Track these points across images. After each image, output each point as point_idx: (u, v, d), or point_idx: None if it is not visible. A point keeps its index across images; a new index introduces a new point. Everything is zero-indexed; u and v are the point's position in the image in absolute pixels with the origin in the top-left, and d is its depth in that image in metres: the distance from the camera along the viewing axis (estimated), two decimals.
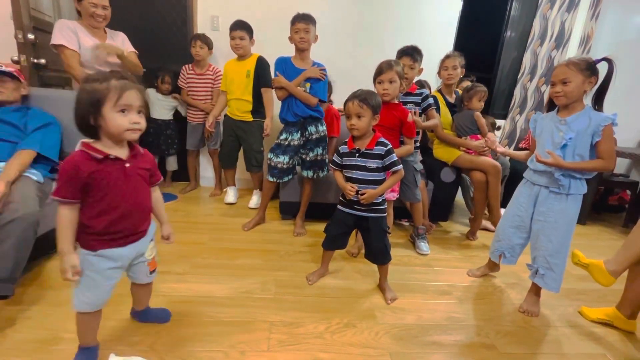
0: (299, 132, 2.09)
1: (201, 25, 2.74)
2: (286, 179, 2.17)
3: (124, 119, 0.92)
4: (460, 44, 3.02)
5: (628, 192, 3.19)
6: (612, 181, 3.01)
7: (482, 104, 2.38)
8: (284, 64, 2.04)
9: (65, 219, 0.91)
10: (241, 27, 2.30)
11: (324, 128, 2.16)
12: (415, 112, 1.94)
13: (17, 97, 1.67)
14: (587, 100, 1.43)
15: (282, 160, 2.10)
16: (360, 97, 1.43)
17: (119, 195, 0.96)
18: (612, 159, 1.35)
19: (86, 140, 0.95)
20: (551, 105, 1.51)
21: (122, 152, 0.97)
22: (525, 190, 1.56)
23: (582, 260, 1.47)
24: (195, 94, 2.65)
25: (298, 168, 2.23)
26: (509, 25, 3.29)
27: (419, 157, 2.11)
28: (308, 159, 2.14)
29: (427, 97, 2.01)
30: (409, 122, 1.83)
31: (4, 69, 1.60)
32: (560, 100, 1.40)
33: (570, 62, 1.36)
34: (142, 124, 0.95)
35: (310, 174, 2.16)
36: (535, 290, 1.57)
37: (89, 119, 0.90)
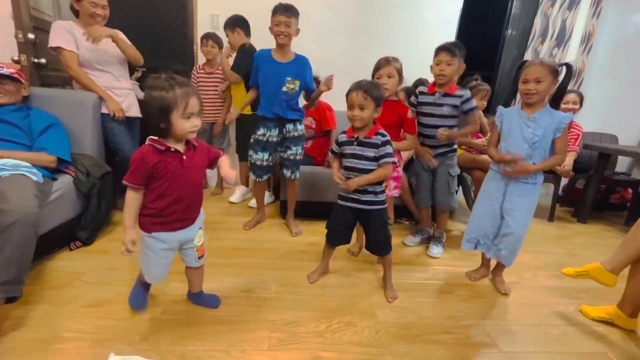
0: (277, 128, 2.03)
1: (201, 24, 2.74)
2: (265, 177, 2.12)
3: (188, 124, 1.06)
4: (461, 41, 3.00)
5: (630, 190, 3.18)
6: (614, 180, 3.00)
7: (485, 102, 2.38)
8: (263, 59, 1.95)
9: (132, 200, 1.09)
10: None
11: (303, 127, 2.10)
12: (444, 131, 1.79)
13: (19, 99, 1.68)
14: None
15: (262, 157, 2.04)
16: (365, 87, 1.41)
17: (175, 182, 1.11)
18: (564, 153, 1.50)
19: (153, 136, 1.09)
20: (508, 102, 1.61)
21: (181, 147, 1.12)
22: (494, 183, 1.62)
23: (579, 271, 1.49)
24: (204, 94, 2.66)
25: (296, 170, 2.16)
26: (510, 23, 3.29)
27: (456, 161, 1.96)
28: (286, 156, 2.08)
29: (468, 99, 1.81)
30: (409, 118, 1.83)
31: (4, 71, 1.59)
32: (532, 98, 1.46)
33: (543, 62, 1.43)
34: (199, 124, 1.11)
35: (289, 173, 2.11)
36: (487, 263, 1.76)
37: (159, 123, 1.04)
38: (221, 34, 2.74)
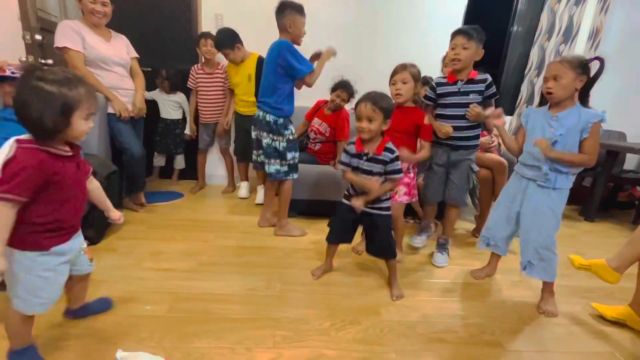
0: (292, 125, 2.06)
1: (205, 23, 2.75)
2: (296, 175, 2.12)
3: (86, 125, 0.96)
4: None
5: (638, 188, 3.13)
6: (622, 177, 2.96)
7: None
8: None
9: (7, 218, 0.87)
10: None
11: None
12: (474, 107, 1.68)
13: None
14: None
15: (298, 154, 2.09)
16: (373, 99, 1.40)
17: (72, 189, 1.00)
18: (594, 155, 1.38)
19: (24, 137, 0.91)
20: (542, 100, 1.51)
21: (68, 148, 0.99)
22: (514, 183, 1.59)
23: (583, 263, 1.47)
24: (205, 94, 2.67)
25: (278, 166, 2.03)
26: (516, 19, 3.24)
27: (475, 155, 1.86)
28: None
29: (491, 83, 1.72)
30: (425, 125, 1.75)
31: (19, 75, 1.64)
32: (551, 97, 1.41)
33: (564, 59, 1.38)
34: (92, 124, 1.00)
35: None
36: (550, 289, 1.56)
37: (53, 123, 0.88)
38: None
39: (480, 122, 1.76)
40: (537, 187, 1.48)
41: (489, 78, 1.72)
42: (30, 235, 0.94)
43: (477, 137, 1.80)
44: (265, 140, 1.99)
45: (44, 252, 0.96)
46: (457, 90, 1.73)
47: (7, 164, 0.88)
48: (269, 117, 1.94)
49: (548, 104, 1.48)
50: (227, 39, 2.37)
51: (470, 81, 1.72)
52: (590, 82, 1.39)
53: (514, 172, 1.61)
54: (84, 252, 1.14)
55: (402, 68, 1.73)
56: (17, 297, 0.96)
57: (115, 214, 1.22)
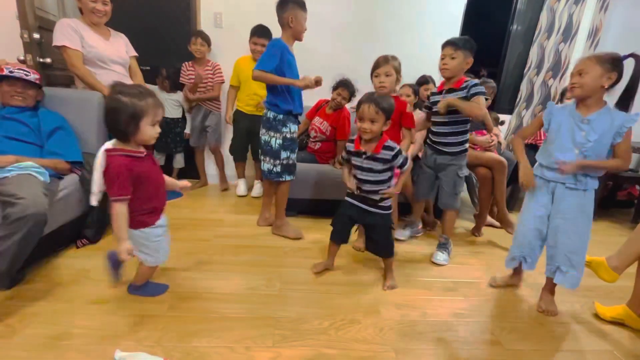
0: (295, 124, 2.02)
1: (204, 22, 2.74)
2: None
3: (153, 130, 1.19)
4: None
5: (637, 187, 3.14)
6: (621, 176, 2.96)
7: (490, 100, 2.36)
8: (290, 53, 1.89)
9: (123, 212, 1.15)
10: (265, 35, 2.45)
11: None
12: (444, 101, 1.71)
13: (33, 102, 1.72)
14: (612, 100, 1.36)
15: (295, 156, 2.06)
16: (376, 101, 1.41)
17: (155, 180, 1.27)
18: (629, 159, 1.33)
19: (111, 144, 1.17)
20: (562, 99, 1.49)
21: (143, 149, 1.24)
22: (541, 190, 1.47)
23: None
24: (197, 91, 2.67)
25: (270, 165, 2.00)
26: (515, 18, 3.24)
27: (466, 162, 1.88)
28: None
29: (473, 85, 1.70)
30: (407, 112, 1.82)
31: (31, 77, 1.66)
32: (575, 92, 1.34)
33: (594, 54, 1.31)
34: (159, 131, 1.23)
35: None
36: (550, 288, 1.54)
37: (126, 127, 1.12)
38: (224, 31, 2.75)
39: (478, 124, 1.79)
40: (566, 189, 1.40)
41: (472, 81, 1.72)
42: (139, 217, 1.23)
43: (461, 143, 1.84)
44: (264, 137, 1.98)
45: (152, 227, 1.27)
46: (441, 98, 1.80)
47: (105, 172, 1.14)
48: (270, 114, 1.94)
49: (575, 103, 1.40)
50: (267, 30, 2.45)
51: (451, 90, 1.77)
52: (631, 84, 1.30)
53: (536, 178, 1.48)
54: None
55: (385, 61, 1.77)
56: (147, 256, 1.31)
57: (183, 183, 1.46)
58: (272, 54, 1.80)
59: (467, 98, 1.71)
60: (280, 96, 1.90)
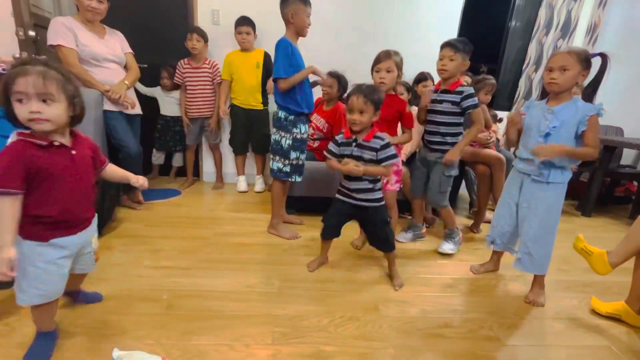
0: (306, 124, 2.00)
1: (202, 19, 2.73)
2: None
3: (21, 109, 0.87)
4: (464, 34, 2.97)
5: (635, 183, 3.15)
6: (619, 172, 2.98)
7: (489, 97, 2.35)
8: (297, 51, 1.88)
9: (10, 209, 0.87)
10: (247, 23, 2.49)
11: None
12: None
13: None
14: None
15: (305, 156, 2.02)
16: (365, 92, 1.42)
17: (67, 182, 0.96)
18: (597, 147, 1.38)
19: (22, 130, 0.92)
20: (543, 94, 1.52)
21: (65, 139, 0.97)
22: (513, 179, 1.60)
23: (587, 247, 1.47)
24: (192, 89, 2.65)
25: (280, 165, 1.98)
26: (514, 14, 3.24)
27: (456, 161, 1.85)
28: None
29: (468, 96, 1.72)
30: (407, 112, 1.82)
31: None
32: (553, 87, 1.39)
33: (572, 50, 1.35)
34: (47, 112, 0.89)
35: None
36: (539, 280, 1.58)
37: (8, 108, 0.88)
38: (222, 28, 2.73)
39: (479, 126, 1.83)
40: (531, 182, 1.50)
41: (468, 90, 1.74)
42: (30, 225, 0.93)
43: (452, 145, 1.83)
44: (274, 136, 1.98)
45: (41, 243, 0.96)
46: (435, 97, 1.80)
47: None
48: (281, 113, 1.93)
49: (547, 98, 1.47)
50: (249, 19, 2.52)
51: (447, 91, 1.78)
52: (596, 80, 1.39)
53: (513, 168, 1.63)
54: (94, 252, 1.14)
55: (386, 56, 1.75)
56: (18, 287, 0.97)
57: (139, 179, 1.22)
58: (282, 56, 1.80)
59: (458, 104, 1.75)
60: (292, 97, 1.88)
